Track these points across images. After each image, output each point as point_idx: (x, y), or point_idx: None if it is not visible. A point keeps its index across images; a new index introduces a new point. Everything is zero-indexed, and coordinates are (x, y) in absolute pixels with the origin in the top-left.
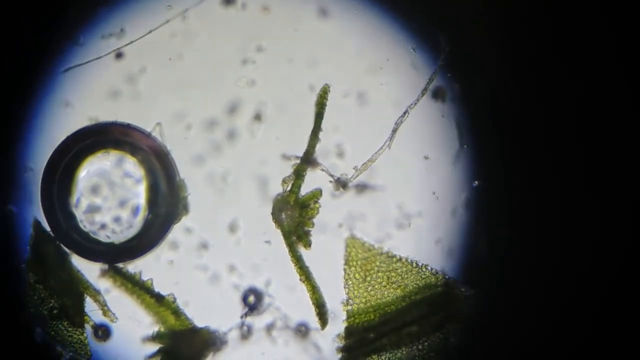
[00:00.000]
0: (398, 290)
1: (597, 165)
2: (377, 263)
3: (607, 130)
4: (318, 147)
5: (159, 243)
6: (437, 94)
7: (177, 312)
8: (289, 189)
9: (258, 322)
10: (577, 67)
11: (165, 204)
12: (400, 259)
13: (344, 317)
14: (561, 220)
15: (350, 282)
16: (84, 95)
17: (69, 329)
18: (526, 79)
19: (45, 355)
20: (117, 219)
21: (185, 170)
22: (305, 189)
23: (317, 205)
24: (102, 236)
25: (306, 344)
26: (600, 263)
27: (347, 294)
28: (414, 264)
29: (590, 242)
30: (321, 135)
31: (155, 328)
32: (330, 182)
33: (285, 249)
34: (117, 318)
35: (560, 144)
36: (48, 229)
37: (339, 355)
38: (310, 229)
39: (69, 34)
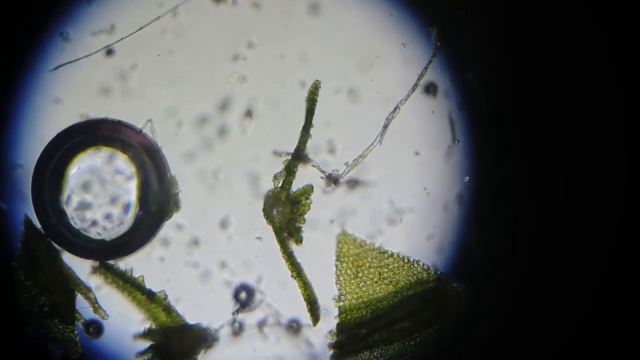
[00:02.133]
0: (390, 286)
1: (592, 161)
2: (369, 259)
3: (602, 126)
4: (309, 143)
5: (150, 240)
6: (428, 90)
7: (168, 309)
8: (280, 185)
9: (249, 318)
10: (571, 62)
11: (157, 201)
12: (392, 255)
13: (336, 313)
14: (554, 216)
15: (342, 279)
16: (75, 92)
17: (60, 326)
18: (519, 73)
19: (36, 353)
20: (108, 216)
21: (176, 166)
22: (296, 185)
23: (308, 201)
24: (93, 233)
25: (298, 341)
26: (595, 259)
27: (339, 290)
28: (406, 260)
29: (584, 238)
30: (312, 131)
31: (147, 325)
32: (322, 178)
33: (277, 246)
34: (108, 315)
35: (555, 139)
36: (39, 226)
37: (331, 352)
38: (301, 225)
39: (59, 31)
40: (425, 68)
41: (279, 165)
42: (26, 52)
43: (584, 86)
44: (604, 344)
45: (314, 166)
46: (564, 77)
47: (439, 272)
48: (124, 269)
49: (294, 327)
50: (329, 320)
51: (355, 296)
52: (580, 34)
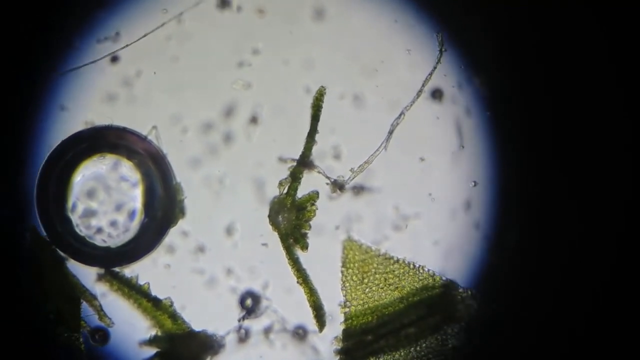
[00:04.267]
0: (396, 292)
1: (598, 163)
2: (375, 265)
3: (609, 130)
4: (314, 149)
5: (155, 247)
6: (433, 95)
7: (174, 316)
8: (285, 191)
9: (255, 325)
10: (575, 65)
11: (162, 208)
12: (397, 261)
13: (342, 319)
14: (561, 220)
15: (347, 285)
16: (80, 99)
17: (66, 333)
18: (524, 77)
19: (42, 359)
20: (113, 223)
21: (181, 173)
22: (302, 192)
23: (314, 207)
24: (99, 240)
25: (304, 347)
26: (601, 263)
27: (345, 296)
28: (412, 266)
29: (591, 242)
30: (317, 137)
31: (153, 332)
32: (327, 184)
33: (283, 252)
34: (113, 323)
35: (560, 143)
36: (44, 233)
37: (337, 358)
38: (307, 231)
39: (65, 38)
40: (430, 73)
41: (284, 172)
42: (31, 60)
43: (589, 87)
44: (613, 350)
45: (319, 172)
46: (570, 80)
47: (444, 278)
48: (129, 276)
49: (300, 334)
50: (335, 327)
51: (361, 302)
52: (583, 35)
